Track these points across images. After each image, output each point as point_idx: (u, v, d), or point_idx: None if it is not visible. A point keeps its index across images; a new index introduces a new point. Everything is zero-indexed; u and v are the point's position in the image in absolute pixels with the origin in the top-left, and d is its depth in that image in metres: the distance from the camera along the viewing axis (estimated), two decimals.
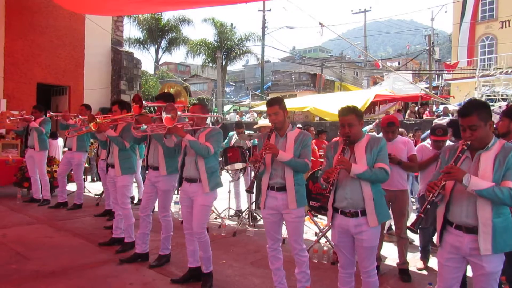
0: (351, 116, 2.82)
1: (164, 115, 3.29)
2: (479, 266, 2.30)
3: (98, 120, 4.46)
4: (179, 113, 3.30)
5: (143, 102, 3.67)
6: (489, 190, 2.20)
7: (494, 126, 3.29)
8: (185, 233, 3.73)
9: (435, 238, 2.65)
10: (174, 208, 6.54)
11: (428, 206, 2.32)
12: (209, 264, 3.64)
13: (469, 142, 2.33)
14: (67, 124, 6.84)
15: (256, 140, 6.76)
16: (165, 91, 5.58)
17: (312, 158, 3.58)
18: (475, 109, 2.32)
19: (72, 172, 7.18)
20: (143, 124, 4.06)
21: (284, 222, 3.30)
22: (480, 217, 2.27)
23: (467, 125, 2.33)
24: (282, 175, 3.16)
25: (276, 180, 3.19)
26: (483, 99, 13.36)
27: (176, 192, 6.84)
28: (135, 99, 3.74)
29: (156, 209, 4.24)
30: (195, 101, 26.84)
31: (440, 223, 2.46)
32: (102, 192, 7.14)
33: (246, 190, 3.67)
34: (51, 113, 7.11)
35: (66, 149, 7.17)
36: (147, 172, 4.22)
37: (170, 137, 3.67)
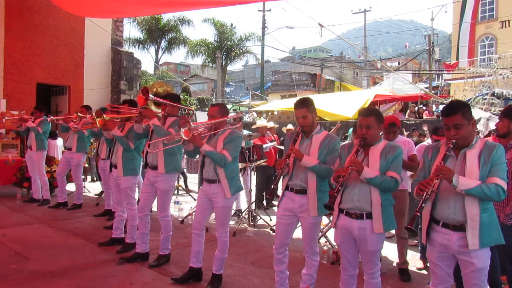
0: (371, 118, 2.76)
1: (181, 130, 3.27)
2: (469, 263, 2.33)
3: (105, 117, 4.42)
4: (193, 125, 3.29)
5: (150, 95, 3.66)
6: (477, 188, 2.26)
7: (494, 127, 3.29)
8: (193, 232, 3.67)
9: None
10: (173, 208, 6.55)
11: (423, 205, 2.34)
12: (221, 267, 3.62)
13: (454, 141, 2.38)
14: (68, 127, 6.85)
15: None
16: (154, 90, 5.54)
17: None
18: (460, 108, 2.39)
19: (71, 173, 7.18)
20: (147, 118, 4.05)
21: (299, 225, 3.26)
22: (468, 213, 2.32)
23: (451, 124, 2.38)
24: (304, 179, 3.08)
25: (295, 182, 3.12)
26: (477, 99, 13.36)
27: (176, 191, 6.86)
28: (143, 91, 3.72)
29: (154, 208, 4.23)
30: (195, 101, 26.85)
31: (426, 222, 2.48)
32: (102, 192, 7.14)
33: (267, 198, 3.66)
34: (51, 117, 7.13)
35: (64, 149, 7.17)
36: (145, 170, 4.19)
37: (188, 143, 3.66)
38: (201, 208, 3.64)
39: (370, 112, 2.83)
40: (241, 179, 6.72)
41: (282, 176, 3.20)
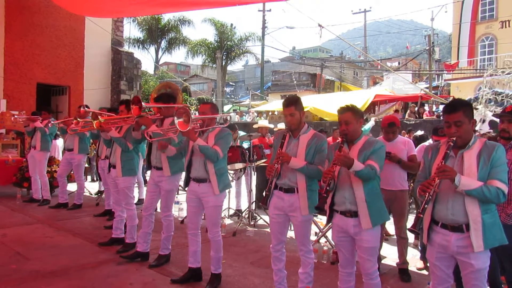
0: (347, 114, 2.84)
1: (176, 120, 3.22)
2: (468, 264, 2.33)
3: (101, 119, 4.43)
4: (192, 116, 3.27)
5: (143, 103, 3.66)
6: (478, 189, 2.25)
7: (504, 128, 3.27)
8: (189, 233, 3.70)
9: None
10: (174, 208, 6.54)
11: (426, 206, 2.34)
12: (218, 266, 3.64)
13: (454, 138, 2.38)
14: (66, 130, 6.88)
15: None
16: (162, 91, 5.50)
17: None
18: (461, 106, 2.40)
19: (73, 173, 7.20)
20: (143, 126, 4.06)
21: (291, 223, 3.28)
22: (470, 215, 2.31)
23: (453, 121, 2.39)
24: (293, 179, 3.10)
25: (284, 181, 3.15)
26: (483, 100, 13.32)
27: (177, 192, 6.86)
28: (135, 100, 3.72)
29: (158, 209, 4.23)
30: (195, 101, 26.85)
31: (427, 222, 2.48)
32: (99, 191, 7.14)
33: (260, 204, 3.66)
34: (52, 122, 7.17)
35: (64, 149, 7.20)
36: (147, 172, 4.22)
37: (168, 147, 3.67)
38: (192, 209, 3.66)
39: (346, 108, 2.88)
40: (242, 178, 6.75)
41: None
